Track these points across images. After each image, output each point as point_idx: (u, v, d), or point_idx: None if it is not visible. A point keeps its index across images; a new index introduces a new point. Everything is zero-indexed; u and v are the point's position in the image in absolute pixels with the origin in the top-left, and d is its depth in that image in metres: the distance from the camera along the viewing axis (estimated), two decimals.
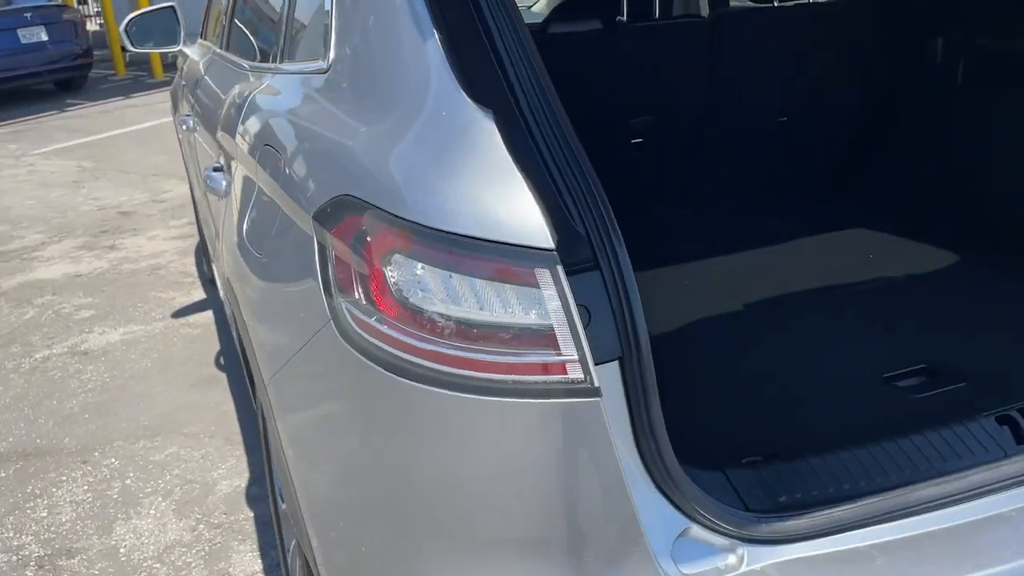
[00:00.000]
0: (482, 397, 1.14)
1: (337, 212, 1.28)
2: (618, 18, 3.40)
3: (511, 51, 1.28)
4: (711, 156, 2.90)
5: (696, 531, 1.22)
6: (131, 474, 3.09)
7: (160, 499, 2.91)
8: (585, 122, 2.68)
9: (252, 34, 2.62)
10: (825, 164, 3.00)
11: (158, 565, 2.62)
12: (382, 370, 1.19)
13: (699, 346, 2.15)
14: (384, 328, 1.19)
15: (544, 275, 1.11)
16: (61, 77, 11.61)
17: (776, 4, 2.88)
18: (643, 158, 2.80)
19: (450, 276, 1.14)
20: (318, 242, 1.32)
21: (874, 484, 1.32)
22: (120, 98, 11.44)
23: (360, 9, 1.49)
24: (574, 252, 1.16)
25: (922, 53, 2.85)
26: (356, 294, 1.22)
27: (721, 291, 2.37)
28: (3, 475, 3.15)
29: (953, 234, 2.57)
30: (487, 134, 1.17)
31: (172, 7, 3.77)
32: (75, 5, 14.58)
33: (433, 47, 1.29)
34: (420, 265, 1.16)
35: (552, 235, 1.11)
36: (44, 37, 10.81)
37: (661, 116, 2.77)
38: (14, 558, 2.69)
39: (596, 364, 1.15)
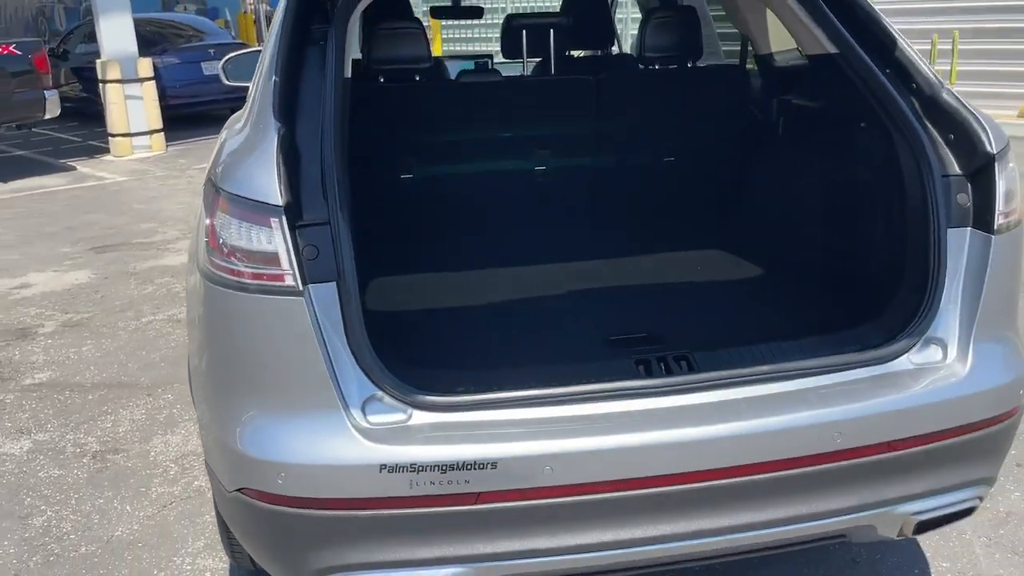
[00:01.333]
0: (246, 294, 1.88)
1: (208, 189, 2.07)
2: (521, 74, 4.10)
3: (318, 96, 2.05)
4: (599, 183, 3.57)
5: (381, 396, 1.89)
6: (178, 406, 4.00)
7: (192, 424, 3.80)
8: (493, 152, 3.38)
9: None
10: (698, 197, 3.55)
11: (174, 465, 3.49)
12: (209, 283, 1.96)
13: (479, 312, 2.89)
14: (212, 257, 1.95)
15: (275, 222, 1.84)
16: (235, 105, 13.31)
17: (654, 67, 3.46)
18: (546, 182, 3.46)
19: (238, 222, 1.90)
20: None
21: (513, 386, 1.95)
22: None
23: (263, 68, 2.28)
24: (313, 213, 1.89)
25: (757, 110, 3.44)
26: (207, 239, 1.99)
27: (537, 280, 3.08)
28: (91, 398, 4.15)
29: (773, 254, 3.08)
30: (271, 143, 1.92)
31: (260, 50, 4.76)
32: (257, 45, 16.56)
33: (272, 89, 2.07)
34: (225, 215, 1.92)
35: (282, 197, 1.84)
36: None
37: (559, 149, 3.43)
38: (78, 450, 3.64)
39: (318, 282, 1.86)
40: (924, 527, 2.13)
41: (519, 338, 2.59)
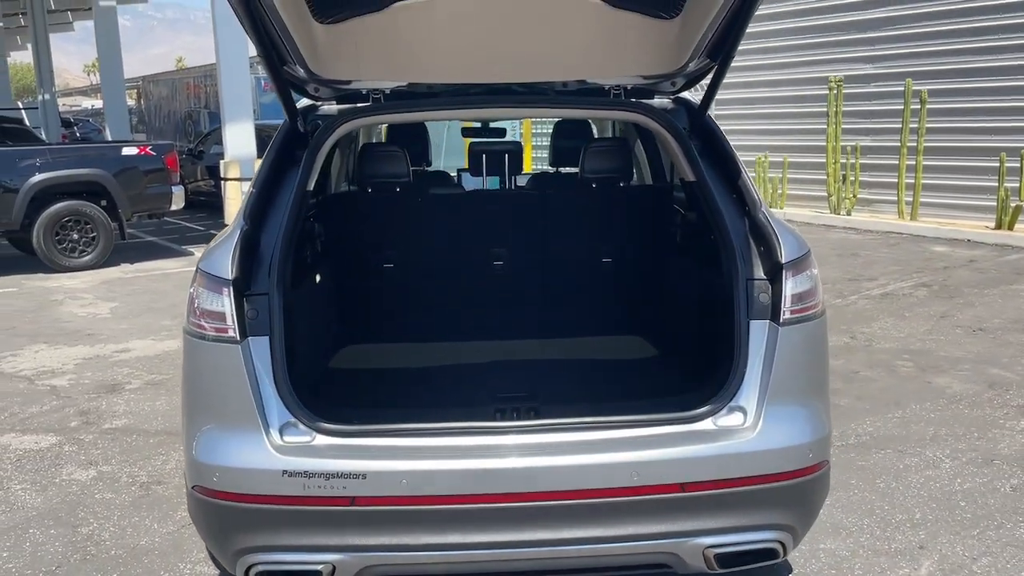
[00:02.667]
0: (205, 342, 2.63)
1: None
2: (480, 188, 4.84)
3: (284, 204, 2.85)
4: (546, 277, 4.24)
5: (295, 422, 2.58)
6: None
7: None
8: (459, 249, 4.10)
9: None
10: (628, 291, 4.18)
11: None
12: (186, 335, 2.73)
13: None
14: (189, 316, 2.73)
15: (225, 290, 2.60)
16: None
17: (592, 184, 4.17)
18: (502, 274, 4.15)
19: (205, 291, 2.67)
20: None
21: (391, 421, 2.61)
22: None
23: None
24: (258, 287, 2.65)
25: (668, 223, 4.04)
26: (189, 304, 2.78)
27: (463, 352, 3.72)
28: (152, 441, 4.99)
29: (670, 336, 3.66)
30: (235, 236, 2.70)
31: None
32: None
33: (247, 198, 2.88)
34: (198, 286, 2.70)
35: (232, 274, 2.60)
36: None
37: (514, 248, 4.12)
38: (130, 480, 4.46)
39: (256, 336, 2.60)
40: (726, 561, 2.61)
41: (422, 391, 3.27)
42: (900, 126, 12.01)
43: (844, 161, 12.67)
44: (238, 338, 2.59)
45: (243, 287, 2.63)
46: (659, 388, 3.05)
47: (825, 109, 12.78)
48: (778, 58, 14.00)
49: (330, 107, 3.35)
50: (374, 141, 5.36)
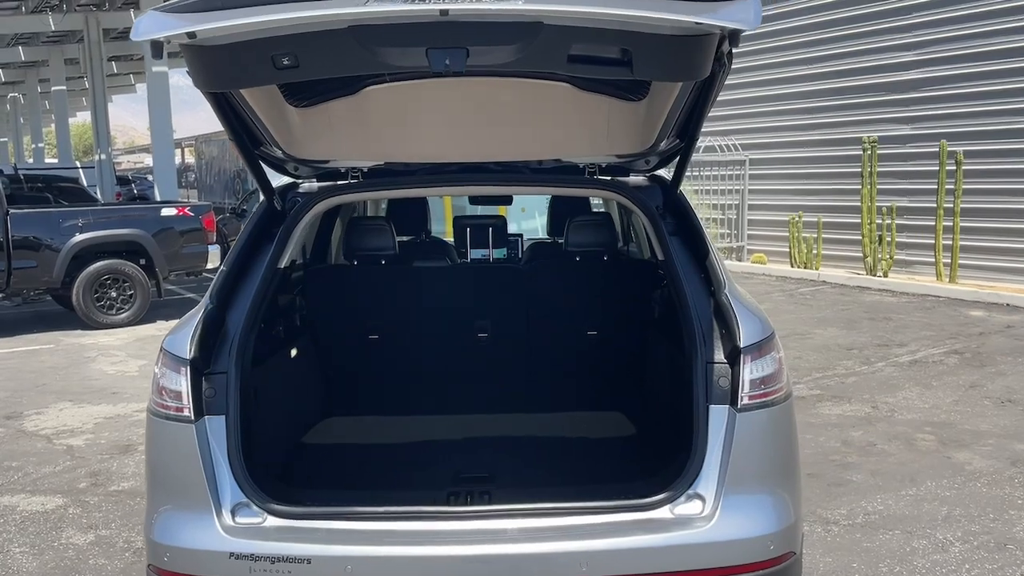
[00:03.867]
0: (164, 420, 2.67)
1: None
2: (461, 260, 4.86)
3: (254, 282, 2.90)
4: (531, 350, 4.21)
5: (248, 503, 2.59)
6: None
7: None
8: (444, 321, 4.11)
9: None
10: (611, 365, 4.13)
11: None
12: (149, 413, 2.77)
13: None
14: (152, 395, 2.77)
15: (183, 370, 2.64)
16: None
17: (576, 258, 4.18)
18: (486, 347, 4.14)
19: (166, 370, 2.71)
20: None
21: (354, 503, 2.60)
22: None
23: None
24: (218, 366, 2.69)
25: (645, 299, 4.03)
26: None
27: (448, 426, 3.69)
28: None
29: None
30: (198, 315, 2.76)
31: None
32: None
33: (217, 275, 2.94)
34: (160, 364, 2.74)
35: (191, 354, 2.64)
36: None
37: (498, 319, 4.12)
38: (126, 546, 4.49)
39: (213, 415, 2.63)
40: None
41: (386, 470, 3.25)
42: (936, 187, 11.82)
43: (880, 222, 12.48)
44: (192, 417, 2.62)
45: (202, 366, 2.67)
46: (625, 471, 2.99)
47: (860, 170, 12.65)
48: (813, 118, 13.95)
49: (310, 184, 3.42)
50: (369, 214, 5.46)
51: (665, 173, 3.45)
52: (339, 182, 3.37)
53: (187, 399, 2.62)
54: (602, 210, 5.43)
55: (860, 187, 12.66)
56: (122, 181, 27.01)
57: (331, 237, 4.69)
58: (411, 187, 3.35)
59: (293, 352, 3.62)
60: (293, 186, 3.42)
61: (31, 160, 34.85)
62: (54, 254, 10.50)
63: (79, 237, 10.59)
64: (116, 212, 11.93)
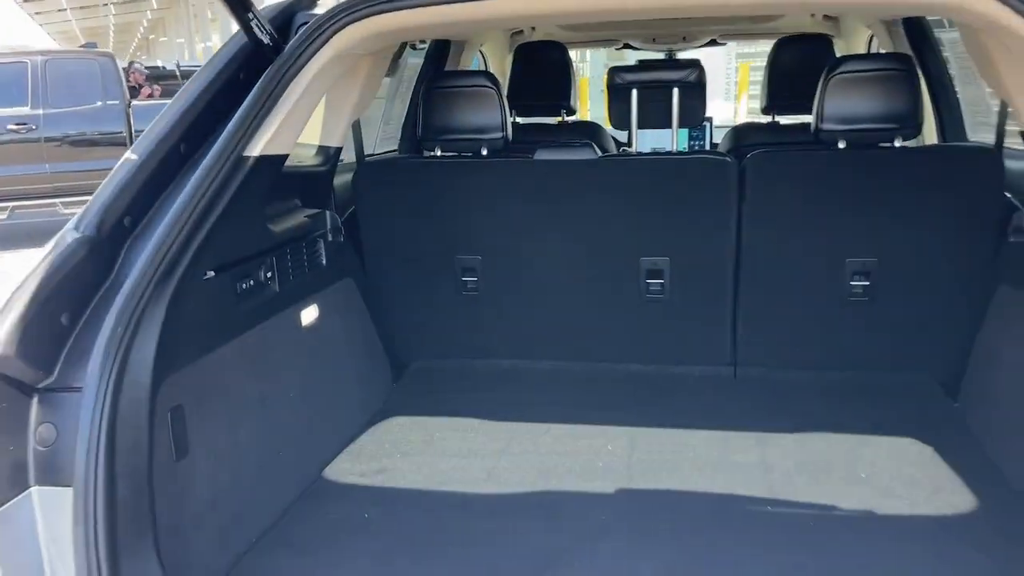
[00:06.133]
0: None
1: None
2: (626, 150, 3.11)
3: None
4: (742, 314, 2.61)
5: None
6: None
7: None
8: (580, 255, 2.54)
9: None
10: (910, 320, 2.41)
11: None
12: None
13: None
14: None
15: None
16: None
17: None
18: (659, 300, 2.57)
19: None
20: None
21: None
22: None
23: None
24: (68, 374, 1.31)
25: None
26: None
27: None
28: None
29: None
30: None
31: None
32: None
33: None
34: None
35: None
36: None
37: (679, 256, 2.52)
38: None
39: (42, 486, 1.29)
40: None
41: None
42: None
43: None
44: None
45: (29, 376, 1.29)
46: None
47: None
48: None
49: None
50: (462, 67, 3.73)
51: None
52: None
53: None
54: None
55: None
56: None
57: (393, 113, 3.23)
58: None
59: (309, 313, 2.22)
60: (291, 8, 1.94)
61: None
62: None
63: None
64: None
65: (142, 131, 1.64)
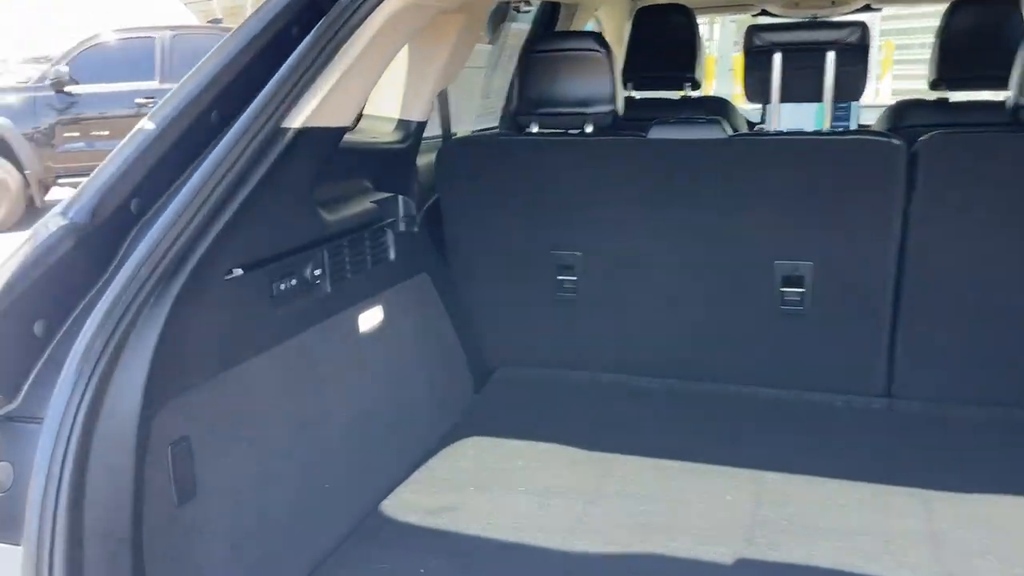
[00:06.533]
0: None
1: None
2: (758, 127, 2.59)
3: None
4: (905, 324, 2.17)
5: None
6: None
7: None
8: (700, 260, 2.12)
9: None
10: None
11: None
12: None
13: None
14: None
15: None
16: None
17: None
18: (800, 315, 2.12)
19: None
20: None
21: None
22: None
23: None
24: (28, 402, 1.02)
25: None
26: None
27: None
28: None
29: None
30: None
31: None
32: None
33: None
34: None
35: None
36: None
37: (823, 258, 2.08)
38: None
39: None
40: None
41: None
42: None
43: None
44: None
45: None
46: None
47: None
48: None
49: None
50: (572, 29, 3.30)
51: None
52: None
53: None
54: None
55: None
56: None
57: (494, 85, 2.89)
58: None
59: (370, 316, 1.92)
60: None
61: None
62: None
63: None
64: None
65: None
